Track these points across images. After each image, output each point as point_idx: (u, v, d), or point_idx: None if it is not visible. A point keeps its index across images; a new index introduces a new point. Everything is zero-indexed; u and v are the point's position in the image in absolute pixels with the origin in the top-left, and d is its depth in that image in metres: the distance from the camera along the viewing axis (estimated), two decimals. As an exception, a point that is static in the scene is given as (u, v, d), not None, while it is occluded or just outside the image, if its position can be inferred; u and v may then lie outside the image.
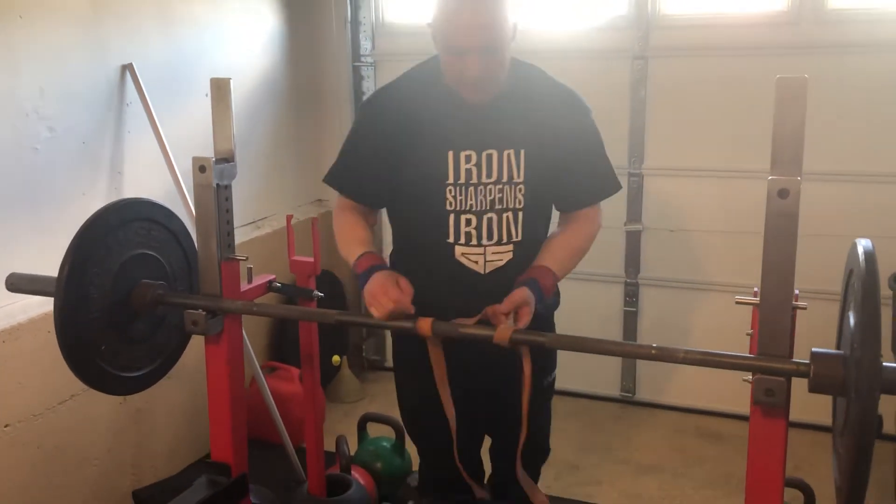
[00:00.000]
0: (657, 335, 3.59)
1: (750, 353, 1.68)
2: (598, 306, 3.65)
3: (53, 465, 2.56)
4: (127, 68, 2.79)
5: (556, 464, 3.13)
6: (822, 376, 1.40)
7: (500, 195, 1.86)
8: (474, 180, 1.84)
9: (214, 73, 3.16)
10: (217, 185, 1.85)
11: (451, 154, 1.83)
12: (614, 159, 3.51)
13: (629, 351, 1.56)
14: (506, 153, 1.84)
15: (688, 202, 3.45)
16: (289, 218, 2.31)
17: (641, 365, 3.67)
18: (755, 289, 1.74)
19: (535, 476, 2.32)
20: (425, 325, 1.70)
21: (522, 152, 1.85)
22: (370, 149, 1.92)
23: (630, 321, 3.63)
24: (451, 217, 1.86)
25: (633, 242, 3.56)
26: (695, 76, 3.34)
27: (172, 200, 2.66)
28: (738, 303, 1.57)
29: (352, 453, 2.81)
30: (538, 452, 2.32)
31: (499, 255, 1.89)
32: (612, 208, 3.50)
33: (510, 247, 1.89)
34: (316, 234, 2.32)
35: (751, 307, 1.68)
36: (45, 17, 2.50)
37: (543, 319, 1.92)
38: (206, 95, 3.12)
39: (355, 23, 3.81)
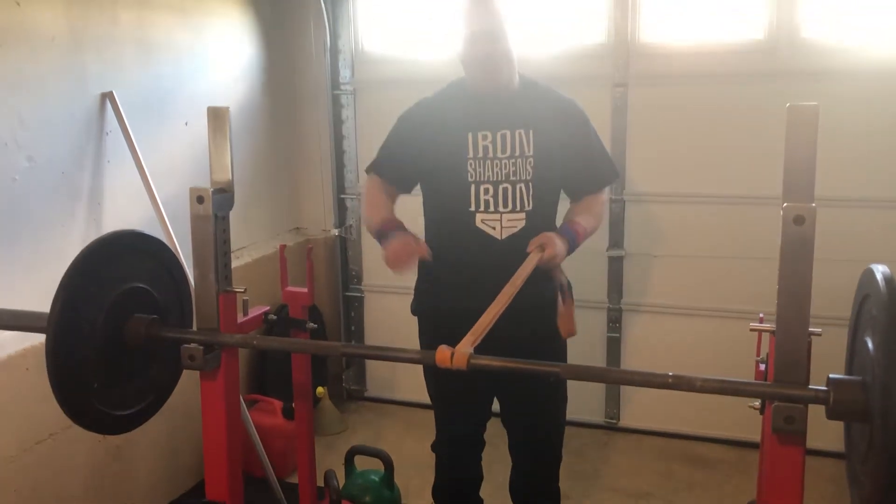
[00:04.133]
0: (641, 361, 3.60)
1: (757, 380, 1.69)
2: (582, 332, 3.60)
3: (31, 509, 2.46)
4: (107, 97, 2.74)
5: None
6: (843, 403, 1.39)
7: (514, 168, 2.19)
8: (490, 154, 2.19)
9: (194, 101, 3.14)
10: (215, 215, 1.80)
11: (469, 135, 2.19)
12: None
13: (645, 380, 1.54)
14: (517, 132, 2.20)
15: (670, 227, 3.48)
16: (282, 248, 2.27)
17: (625, 391, 3.67)
18: (761, 314, 1.75)
19: (553, 479, 2.50)
20: (445, 354, 1.64)
21: (531, 132, 2.20)
22: (405, 142, 2.30)
23: (614, 347, 3.63)
24: (473, 187, 2.19)
25: (616, 268, 3.57)
26: (675, 103, 3.38)
27: (153, 230, 2.60)
28: (752, 330, 1.57)
29: (340, 487, 2.75)
30: (550, 445, 2.44)
31: (513, 223, 2.19)
32: (595, 234, 3.52)
33: (523, 215, 2.20)
34: (310, 263, 2.28)
35: (756, 333, 1.69)
36: (25, 45, 2.44)
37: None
38: (186, 124, 3.15)
39: (334, 51, 3.80)
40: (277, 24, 3.75)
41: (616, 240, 3.54)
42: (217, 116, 1.82)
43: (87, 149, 2.70)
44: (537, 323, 2.23)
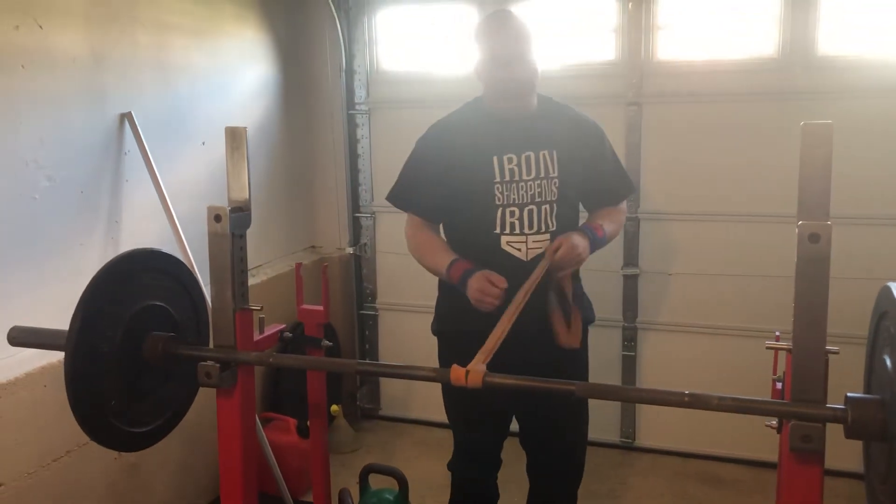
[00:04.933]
0: (657, 379, 3.58)
1: (774, 398, 1.68)
2: (597, 350, 3.59)
3: (47, 526, 2.47)
4: (125, 117, 2.77)
5: (560, 513, 3.07)
6: (861, 421, 1.38)
7: (539, 189, 2.20)
8: (517, 178, 2.19)
9: (211, 121, 3.18)
10: (232, 234, 1.82)
11: (495, 158, 2.19)
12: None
13: (661, 399, 1.53)
14: (542, 153, 2.21)
15: (685, 245, 3.47)
16: (298, 266, 2.28)
17: (641, 410, 3.65)
18: (777, 332, 1.75)
19: (571, 499, 2.46)
20: (460, 373, 1.65)
21: (555, 152, 2.22)
22: (427, 169, 2.28)
23: (629, 365, 3.62)
24: (499, 210, 2.19)
25: (631, 286, 3.57)
26: (688, 121, 3.39)
27: (170, 248, 2.62)
28: (768, 348, 1.56)
29: (355, 506, 2.75)
30: (571, 466, 2.43)
31: (538, 244, 2.19)
32: (609, 252, 3.51)
33: (548, 235, 2.20)
34: (325, 281, 2.29)
35: (773, 351, 1.68)
36: (46, 66, 2.47)
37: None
38: (204, 144, 3.18)
39: (350, 71, 3.83)
40: (293, 44, 3.80)
41: (631, 258, 3.53)
42: (235, 136, 1.84)
43: (106, 168, 2.73)
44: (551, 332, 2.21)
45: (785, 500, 1.55)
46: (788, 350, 1.48)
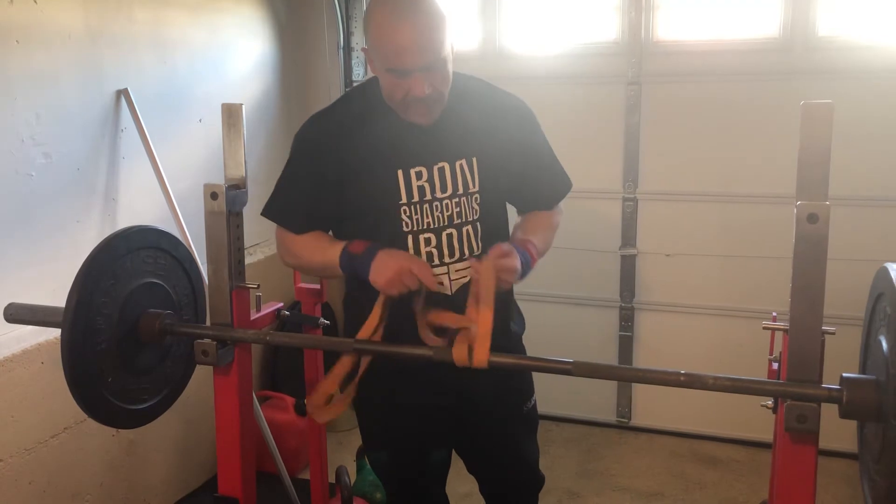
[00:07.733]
0: (653, 360, 3.59)
1: (770, 378, 1.68)
2: (594, 331, 3.65)
3: (45, 502, 2.48)
4: (122, 93, 2.76)
5: (556, 492, 3.10)
6: (856, 402, 1.39)
7: (458, 209, 1.79)
8: (428, 197, 1.77)
9: (208, 98, 3.16)
10: (229, 212, 1.81)
11: (400, 173, 1.76)
12: (609, 183, 3.56)
13: (657, 378, 1.54)
14: (458, 164, 1.78)
15: (683, 226, 3.47)
16: (295, 245, 2.26)
17: (637, 390, 3.66)
18: (774, 313, 1.75)
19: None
20: (462, 352, 1.63)
21: (475, 160, 1.80)
22: (311, 179, 1.82)
23: (626, 345, 3.62)
24: (410, 238, 1.78)
25: (628, 267, 3.56)
26: (688, 101, 3.37)
27: (167, 226, 2.61)
28: (765, 328, 1.56)
29: (351, 483, 2.76)
30: (530, 481, 2.18)
31: (463, 272, 1.80)
32: (607, 232, 3.52)
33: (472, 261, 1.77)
34: (322, 260, 2.28)
35: (770, 331, 1.68)
36: (42, 42, 2.46)
37: (513, 343, 1.94)
38: (201, 121, 3.16)
39: (348, 48, 3.80)
40: (291, 21, 3.77)
41: (629, 238, 3.53)
42: (231, 113, 1.83)
43: (103, 145, 2.72)
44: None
45: (779, 480, 1.55)
46: (785, 330, 1.48)
